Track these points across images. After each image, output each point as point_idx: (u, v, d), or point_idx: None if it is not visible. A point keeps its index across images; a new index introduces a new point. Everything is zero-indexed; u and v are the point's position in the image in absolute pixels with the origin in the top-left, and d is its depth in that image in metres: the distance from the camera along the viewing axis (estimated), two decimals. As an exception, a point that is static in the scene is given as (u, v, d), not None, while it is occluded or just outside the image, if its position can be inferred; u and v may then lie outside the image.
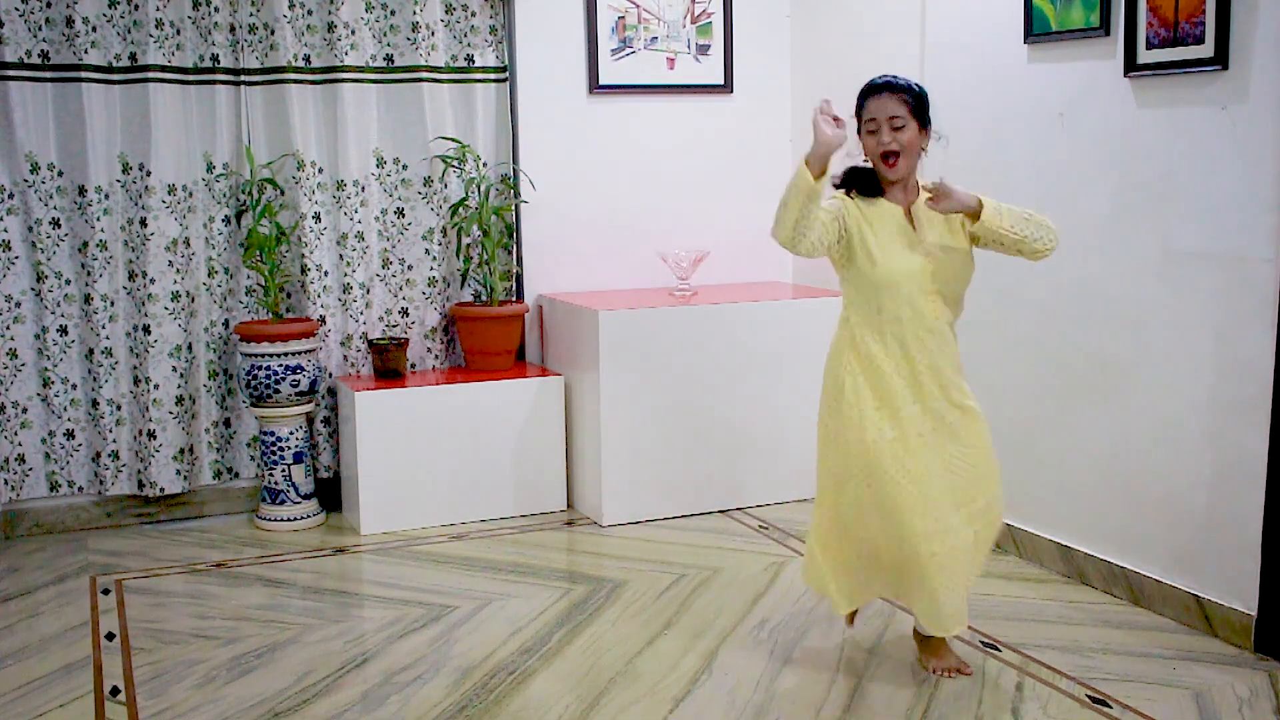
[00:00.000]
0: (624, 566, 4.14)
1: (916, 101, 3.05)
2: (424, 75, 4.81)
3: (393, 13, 4.78)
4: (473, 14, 4.88)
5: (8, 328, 4.50)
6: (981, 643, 3.47)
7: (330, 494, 4.91)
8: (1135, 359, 3.69)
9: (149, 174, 4.52)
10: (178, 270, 4.62)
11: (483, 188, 4.82)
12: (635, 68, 5.12)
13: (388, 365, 4.74)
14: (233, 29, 4.62)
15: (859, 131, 3.11)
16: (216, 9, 4.56)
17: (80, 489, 4.67)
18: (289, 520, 4.66)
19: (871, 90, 3.06)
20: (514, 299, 5.02)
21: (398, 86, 4.82)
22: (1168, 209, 3.55)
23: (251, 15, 4.62)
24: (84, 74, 4.43)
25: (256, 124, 4.70)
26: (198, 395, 4.72)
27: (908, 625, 3.61)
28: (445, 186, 4.90)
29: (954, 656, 3.29)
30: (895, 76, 3.11)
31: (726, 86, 5.28)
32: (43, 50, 4.42)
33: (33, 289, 4.53)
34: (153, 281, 4.57)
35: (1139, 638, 3.50)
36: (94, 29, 4.43)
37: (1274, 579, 3.32)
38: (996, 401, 4.27)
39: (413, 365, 4.98)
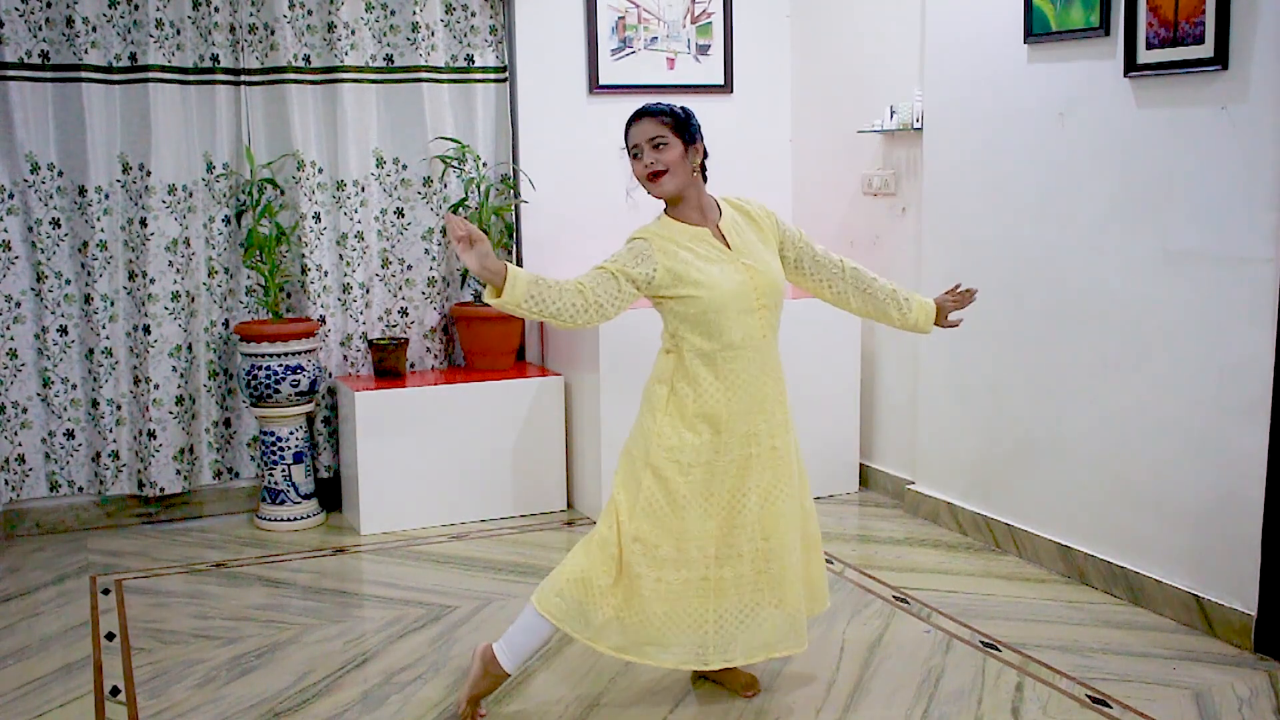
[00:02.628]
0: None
1: (676, 120, 2.94)
2: (424, 75, 4.81)
3: (393, 13, 4.78)
4: (473, 14, 4.88)
5: (8, 328, 4.50)
6: (981, 643, 3.47)
7: (330, 494, 4.91)
8: (1135, 359, 3.69)
9: (149, 174, 4.52)
10: (178, 270, 4.62)
11: (482, 188, 4.82)
12: (635, 68, 5.12)
13: (387, 365, 4.74)
14: (233, 29, 4.62)
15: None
16: (216, 9, 4.56)
17: (80, 489, 4.67)
18: (289, 520, 4.66)
19: (630, 120, 2.98)
20: (514, 299, 5.01)
21: (398, 86, 4.82)
22: (1168, 209, 3.55)
23: (251, 15, 4.62)
24: (84, 74, 4.43)
25: (256, 124, 4.70)
26: (198, 395, 4.72)
27: (908, 625, 3.62)
28: (445, 186, 4.91)
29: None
30: (655, 103, 3.01)
31: (726, 86, 5.28)
32: (43, 50, 4.42)
33: (33, 289, 4.53)
34: (153, 281, 4.57)
35: (1139, 638, 3.50)
36: (94, 29, 4.43)
37: (1274, 579, 3.32)
38: (997, 401, 4.28)
39: (412, 365, 4.98)
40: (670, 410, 2.95)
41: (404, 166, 4.87)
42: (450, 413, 4.64)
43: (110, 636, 3.62)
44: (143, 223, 4.55)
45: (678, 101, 3.10)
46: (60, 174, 4.50)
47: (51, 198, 4.49)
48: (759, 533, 2.98)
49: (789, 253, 3.08)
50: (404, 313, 4.95)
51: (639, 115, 2.98)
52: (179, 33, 4.53)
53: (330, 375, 4.87)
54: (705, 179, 3.03)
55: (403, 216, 4.90)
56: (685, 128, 2.95)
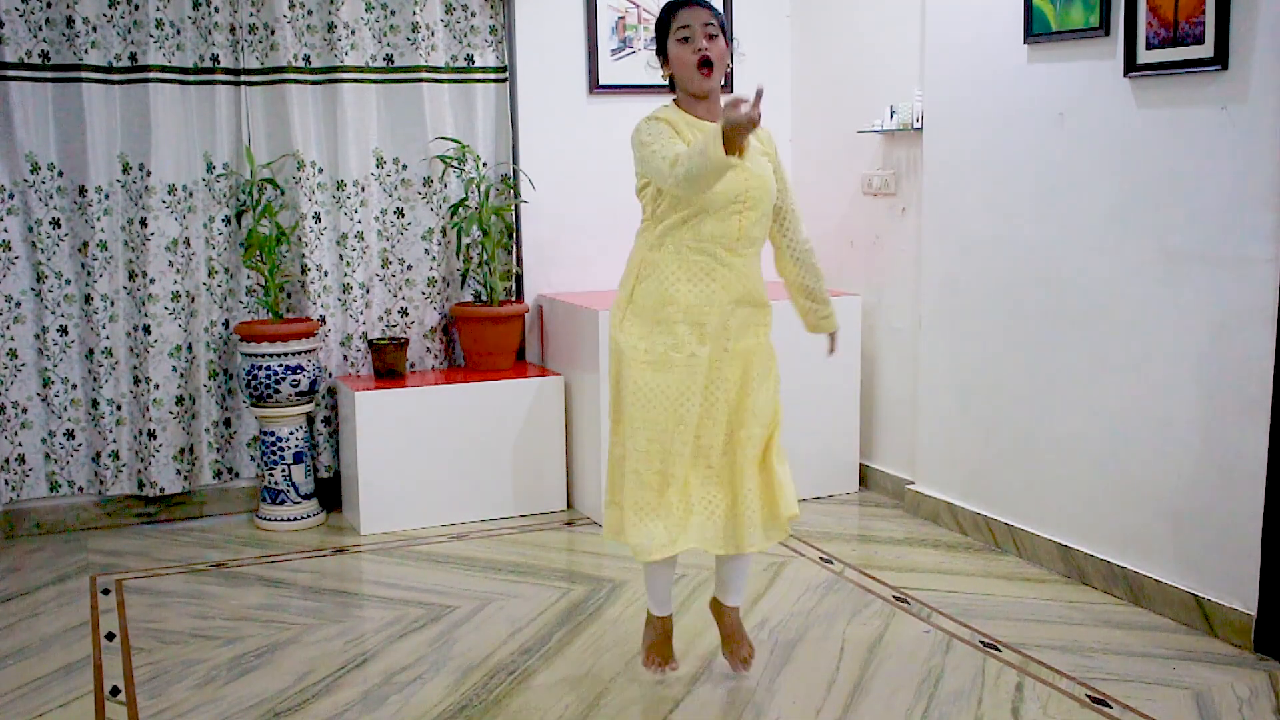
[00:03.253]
0: (624, 566, 4.14)
1: (721, 18, 2.98)
2: (424, 75, 4.81)
3: (393, 13, 4.78)
4: (473, 14, 4.88)
5: (8, 328, 4.50)
6: (981, 643, 3.47)
7: (330, 494, 4.91)
8: (1135, 359, 3.69)
9: (149, 174, 4.52)
10: (178, 270, 4.62)
11: (482, 188, 4.82)
12: (635, 68, 5.12)
13: (387, 365, 4.74)
14: (233, 29, 4.62)
15: (664, 47, 3.01)
16: (216, 9, 4.56)
17: (80, 489, 4.67)
18: (289, 520, 4.66)
19: (677, 5, 2.96)
20: (514, 299, 5.02)
21: (398, 86, 4.82)
22: (1168, 209, 3.55)
23: (251, 15, 4.62)
24: (84, 74, 4.43)
25: (256, 124, 4.70)
26: (198, 395, 4.72)
27: (908, 625, 3.62)
28: (445, 186, 4.91)
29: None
30: None
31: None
32: (43, 50, 4.42)
33: (33, 289, 4.53)
34: (153, 281, 4.57)
35: (1139, 638, 3.50)
36: (94, 29, 4.43)
37: (1274, 579, 3.32)
38: (997, 401, 4.28)
39: (413, 365, 4.98)
40: (630, 314, 3.05)
41: (404, 166, 4.87)
42: (450, 413, 4.64)
43: (110, 636, 3.62)
44: (143, 223, 4.55)
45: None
46: (60, 174, 4.50)
47: (51, 198, 4.49)
48: (724, 429, 3.06)
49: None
50: (404, 313, 4.95)
51: (689, 1, 2.95)
52: (179, 33, 4.53)
53: (330, 375, 4.87)
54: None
55: (403, 216, 4.90)
56: (727, 28, 2.96)
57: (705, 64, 2.94)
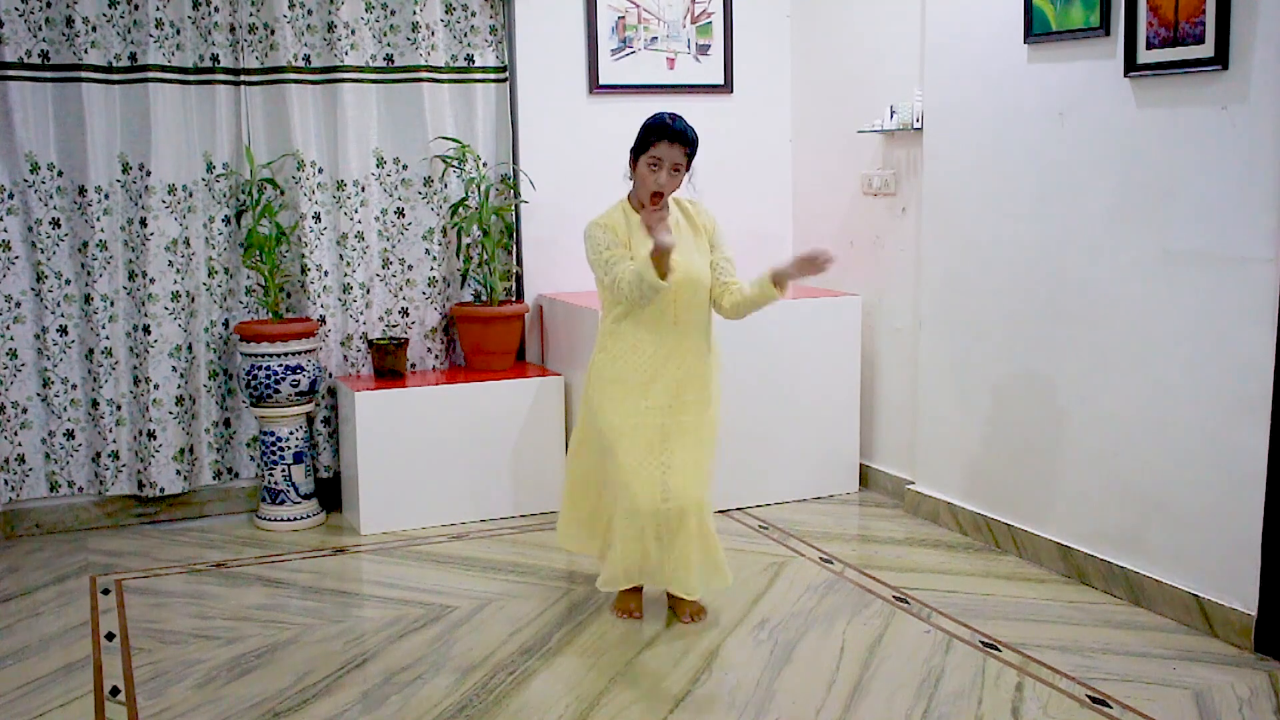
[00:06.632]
0: (624, 566, 4.14)
1: (693, 152, 3.47)
2: (424, 75, 4.81)
3: (393, 13, 4.78)
4: (473, 14, 4.88)
5: (8, 328, 4.50)
6: (981, 643, 3.47)
7: (330, 494, 4.91)
8: (1135, 359, 3.69)
9: (149, 174, 4.52)
10: (178, 270, 4.62)
11: (483, 188, 4.82)
12: (635, 68, 5.12)
13: (387, 365, 4.74)
14: (233, 29, 4.62)
15: (638, 155, 3.49)
16: (216, 9, 4.56)
17: (80, 489, 4.67)
18: (289, 520, 4.66)
19: (666, 134, 3.42)
20: (514, 299, 5.02)
21: (398, 86, 4.82)
22: (1168, 209, 3.55)
23: (251, 15, 4.62)
24: (84, 74, 4.43)
25: (256, 124, 4.70)
26: (198, 395, 4.72)
27: (908, 625, 3.62)
28: (445, 186, 4.91)
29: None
30: (686, 126, 3.46)
31: (726, 86, 5.28)
32: (43, 50, 4.42)
33: (33, 289, 4.53)
34: (153, 281, 4.57)
35: (1139, 638, 3.50)
36: (94, 29, 4.43)
37: (1274, 579, 3.32)
38: (997, 401, 4.28)
39: (413, 365, 4.98)
40: (598, 368, 3.59)
41: (404, 166, 4.87)
42: (450, 413, 4.64)
43: (110, 636, 3.62)
44: (143, 223, 4.55)
45: (679, 107, 3.54)
46: (60, 174, 4.50)
47: (51, 198, 4.49)
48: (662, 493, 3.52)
49: (712, 256, 3.60)
50: (404, 313, 4.95)
51: (675, 137, 3.43)
52: (179, 32, 4.53)
53: (330, 375, 4.87)
54: None
55: (403, 216, 4.90)
56: (693, 157, 3.49)
57: (658, 195, 3.48)
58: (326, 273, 4.81)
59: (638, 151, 3.50)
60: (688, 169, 3.49)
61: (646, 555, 3.55)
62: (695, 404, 3.57)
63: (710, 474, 3.64)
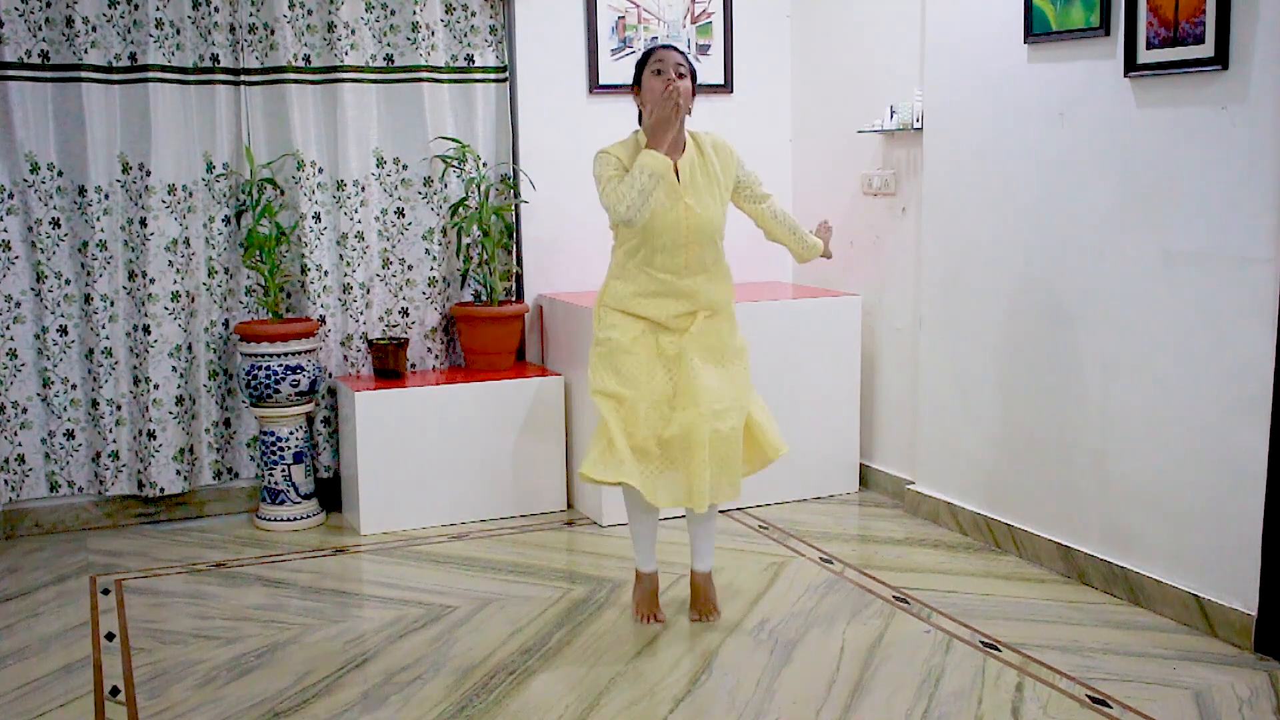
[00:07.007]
0: (624, 566, 4.14)
1: (691, 66, 3.48)
2: (424, 75, 4.81)
3: (393, 13, 4.78)
4: (473, 14, 4.88)
5: (8, 328, 4.50)
6: (981, 643, 3.48)
7: (330, 494, 4.91)
8: (1135, 359, 3.69)
9: (149, 174, 4.52)
10: (178, 270, 4.62)
11: (483, 188, 4.82)
12: (635, 68, 5.12)
13: (388, 365, 4.74)
14: (233, 29, 4.62)
15: (638, 81, 3.48)
16: (216, 9, 4.56)
17: (80, 489, 4.67)
18: (289, 520, 4.66)
19: (659, 47, 3.49)
20: (514, 299, 5.02)
21: (398, 86, 4.82)
22: (1168, 209, 3.55)
23: (251, 15, 4.62)
24: (84, 74, 4.43)
25: (256, 124, 4.70)
26: (198, 395, 4.72)
27: (908, 625, 3.62)
28: (445, 186, 4.91)
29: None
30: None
31: (726, 86, 5.28)
32: (43, 50, 4.42)
33: (33, 289, 4.53)
34: (153, 281, 4.57)
35: (1139, 638, 3.50)
36: (94, 29, 4.43)
37: (1274, 579, 3.32)
38: (997, 401, 4.28)
39: (413, 365, 4.98)
40: (606, 301, 3.53)
41: (404, 166, 4.87)
42: (450, 413, 4.64)
43: (110, 636, 3.62)
44: (143, 223, 4.55)
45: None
46: (60, 174, 4.50)
47: (51, 198, 4.49)
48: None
49: (742, 190, 3.61)
50: (404, 313, 4.95)
51: (668, 47, 3.49)
52: (179, 32, 4.53)
53: (330, 375, 4.87)
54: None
55: (403, 216, 4.90)
56: (695, 75, 3.51)
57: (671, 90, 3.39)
58: (326, 273, 4.81)
59: (639, 74, 3.47)
60: (693, 83, 3.45)
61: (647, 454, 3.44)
62: (713, 360, 3.48)
63: (744, 405, 3.51)
